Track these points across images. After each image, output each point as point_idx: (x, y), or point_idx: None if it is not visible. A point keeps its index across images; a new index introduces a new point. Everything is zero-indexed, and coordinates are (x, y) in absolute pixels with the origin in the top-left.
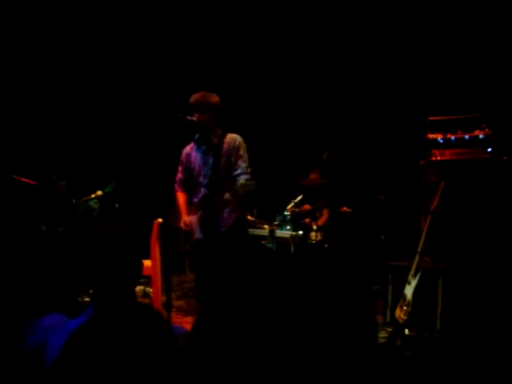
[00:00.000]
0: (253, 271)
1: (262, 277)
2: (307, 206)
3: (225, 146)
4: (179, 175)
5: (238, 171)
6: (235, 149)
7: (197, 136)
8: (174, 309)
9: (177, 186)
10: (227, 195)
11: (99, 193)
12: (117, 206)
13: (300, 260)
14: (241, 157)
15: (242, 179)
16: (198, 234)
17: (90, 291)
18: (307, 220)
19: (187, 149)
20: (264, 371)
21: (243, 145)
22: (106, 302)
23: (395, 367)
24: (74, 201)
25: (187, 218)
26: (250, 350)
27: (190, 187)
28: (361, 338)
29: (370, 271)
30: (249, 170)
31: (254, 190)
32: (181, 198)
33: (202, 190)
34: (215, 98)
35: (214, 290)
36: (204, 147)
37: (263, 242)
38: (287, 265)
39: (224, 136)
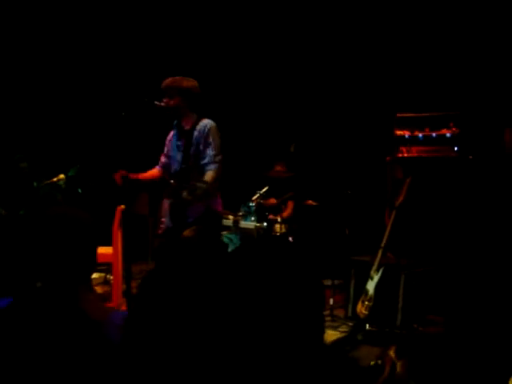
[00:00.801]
0: (204, 264)
1: (212, 269)
2: (273, 200)
3: (195, 132)
4: (161, 158)
5: (206, 160)
6: (204, 136)
7: (175, 122)
8: None
9: (157, 166)
10: (184, 194)
11: (61, 176)
12: (80, 190)
13: (262, 253)
14: (209, 144)
15: (209, 170)
16: (167, 223)
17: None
18: (271, 216)
19: (171, 133)
20: (205, 363)
21: (214, 131)
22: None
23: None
24: (35, 183)
25: (127, 174)
26: (189, 339)
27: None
28: (307, 333)
29: (331, 265)
30: (217, 158)
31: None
32: (152, 170)
33: (173, 177)
34: (188, 83)
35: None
36: (178, 134)
37: (226, 233)
38: (247, 257)
39: (197, 122)
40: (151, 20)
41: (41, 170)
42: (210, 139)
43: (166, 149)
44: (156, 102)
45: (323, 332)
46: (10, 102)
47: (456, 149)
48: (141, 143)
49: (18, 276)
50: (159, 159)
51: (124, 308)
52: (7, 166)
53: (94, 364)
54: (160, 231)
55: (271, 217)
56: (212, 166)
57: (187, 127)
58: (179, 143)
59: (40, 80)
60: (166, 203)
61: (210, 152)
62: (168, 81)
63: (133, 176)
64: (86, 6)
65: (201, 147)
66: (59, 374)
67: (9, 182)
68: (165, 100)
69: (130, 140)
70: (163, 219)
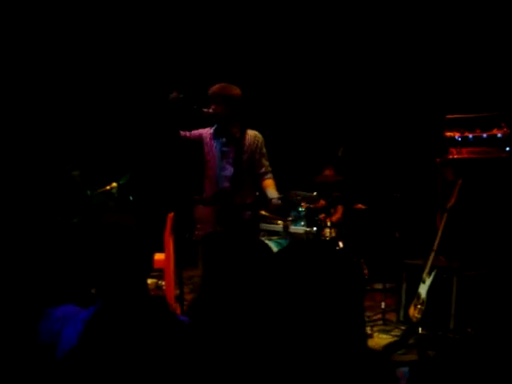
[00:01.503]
0: (255, 268)
1: (262, 274)
2: (322, 202)
3: (247, 141)
4: (185, 132)
5: (263, 169)
6: (259, 146)
7: (215, 126)
8: (186, 302)
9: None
10: (276, 201)
11: (114, 184)
12: (131, 198)
13: (306, 256)
14: (264, 155)
15: (269, 178)
16: (213, 227)
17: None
18: (322, 216)
19: (204, 131)
20: (257, 367)
21: (264, 142)
22: (114, 293)
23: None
24: (88, 192)
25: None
26: (244, 343)
27: (202, 179)
28: (348, 337)
29: (382, 269)
30: (270, 168)
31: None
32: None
33: (219, 183)
34: (235, 91)
35: (218, 284)
36: (223, 139)
37: (277, 238)
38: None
39: (244, 131)
40: (197, 30)
41: (93, 178)
42: (264, 149)
43: (191, 133)
44: (204, 109)
45: (365, 336)
46: (64, 113)
47: (508, 149)
48: (191, 150)
49: (73, 280)
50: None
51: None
52: (60, 175)
53: (182, 362)
54: (195, 238)
55: (322, 217)
56: (270, 175)
57: (237, 135)
58: (225, 149)
59: (93, 89)
60: (203, 209)
61: (265, 162)
62: (215, 88)
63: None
64: (135, 18)
65: (256, 156)
66: (157, 373)
67: (62, 191)
68: (213, 107)
69: (179, 147)
70: (199, 225)
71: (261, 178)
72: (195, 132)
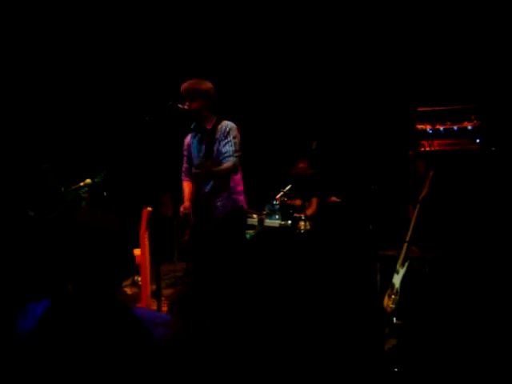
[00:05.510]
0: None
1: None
2: (299, 202)
3: (217, 132)
4: (184, 164)
5: (225, 154)
6: (225, 134)
7: (193, 125)
8: (163, 297)
9: (183, 176)
10: (195, 170)
11: (88, 181)
12: (105, 194)
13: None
14: (229, 141)
15: (227, 161)
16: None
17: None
18: (296, 214)
19: (188, 137)
20: (261, 363)
21: (235, 130)
22: (75, 292)
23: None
24: (62, 189)
25: (186, 204)
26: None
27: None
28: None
29: (356, 260)
30: (236, 154)
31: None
32: (186, 186)
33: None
34: (207, 85)
35: (211, 276)
36: (199, 135)
37: (252, 232)
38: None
39: (218, 123)
40: (170, 26)
41: (68, 176)
42: (230, 137)
43: (185, 155)
44: (179, 105)
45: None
46: (38, 110)
47: (478, 141)
48: (165, 146)
49: (51, 279)
50: (184, 170)
51: (153, 308)
52: (36, 173)
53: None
54: (186, 236)
55: (297, 216)
56: (230, 159)
57: (209, 127)
58: (201, 141)
59: (65, 91)
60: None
61: (229, 148)
62: (187, 84)
63: (188, 208)
64: (110, 13)
65: (222, 143)
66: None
67: (37, 188)
68: (187, 103)
69: (154, 143)
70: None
71: (222, 161)
72: (184, 147)
